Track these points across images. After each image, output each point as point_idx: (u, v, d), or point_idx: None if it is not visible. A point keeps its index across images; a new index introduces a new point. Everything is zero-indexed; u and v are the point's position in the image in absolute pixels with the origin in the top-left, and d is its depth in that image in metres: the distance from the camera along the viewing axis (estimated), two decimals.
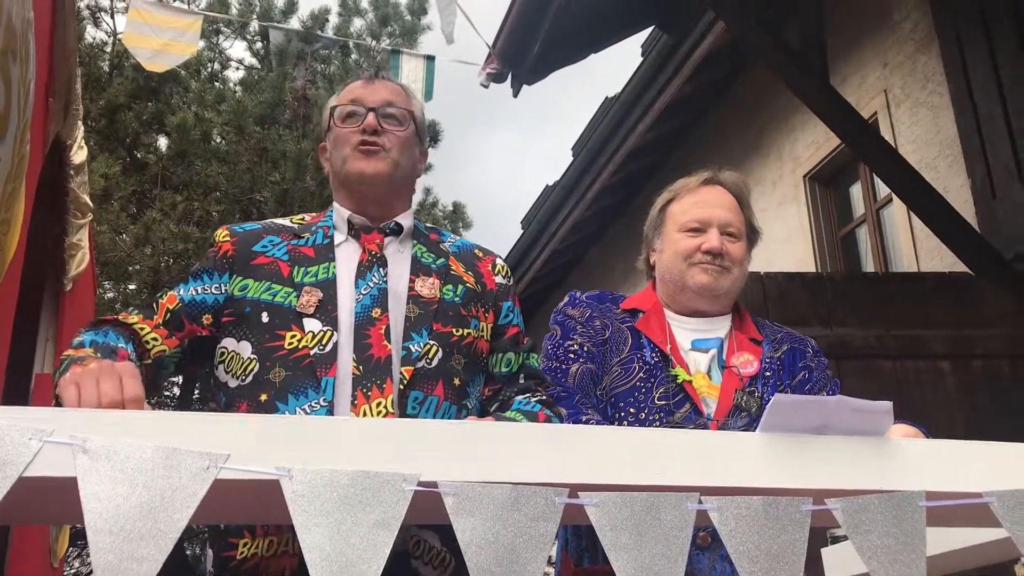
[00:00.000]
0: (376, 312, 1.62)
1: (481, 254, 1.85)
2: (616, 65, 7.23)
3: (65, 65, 1.88)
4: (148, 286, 4.48)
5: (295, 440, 0.99)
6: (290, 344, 1.57)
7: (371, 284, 1.65)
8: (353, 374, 1.55)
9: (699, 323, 1.97)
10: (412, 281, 1.70)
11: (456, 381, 1.64)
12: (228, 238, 1.72)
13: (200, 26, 4.83)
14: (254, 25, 5.87)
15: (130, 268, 4.57)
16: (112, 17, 5.99)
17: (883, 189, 5.84)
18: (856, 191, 6.45)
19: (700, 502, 1.05)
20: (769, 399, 1.85)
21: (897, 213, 5.77)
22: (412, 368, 1.59)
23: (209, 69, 5.78)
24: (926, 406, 4.29)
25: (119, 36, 5.39)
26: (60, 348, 2.38)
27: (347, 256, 1.71)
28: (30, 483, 0.89)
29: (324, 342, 1.57)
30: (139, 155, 5.22)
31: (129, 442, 0.91)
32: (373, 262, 1.69)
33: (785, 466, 1.14)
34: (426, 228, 1.83)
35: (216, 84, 5.60)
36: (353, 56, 5.89)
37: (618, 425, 1.82)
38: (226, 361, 1.62)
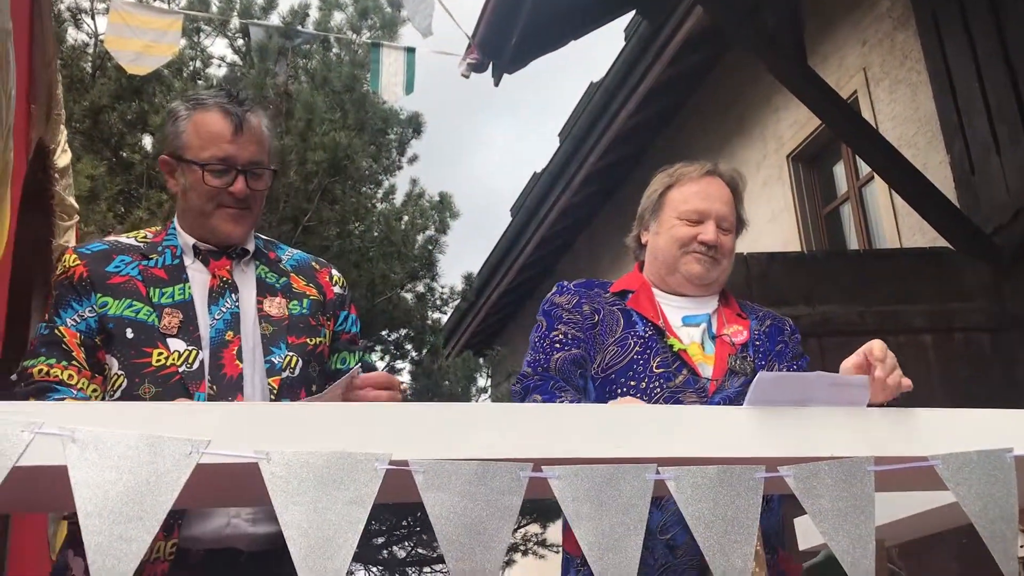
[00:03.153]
0: (229, 335, 1.69)
1: (318, 266, 1.93)
2: (605, 49, 7.27)
3: (45, 71, 1.93)
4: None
5: (272, 425, 1.05)
6: (157, 361, 1.62)
7: (224, 309, 1.72)
8: (208, 394, 1.62)
9: (687, 302, 2.06)
10: (260, 302, 1.77)
11: (314, 388, 1.74)
12: (78, 261, 1.71)
13: (181, 25, 4.85)
14: (235, 22, 5.89)
15: None
16: (93, 18, 6.00)
17: (865, 167, 5.90)
18: (839, 170, 6.52)
19: (658, 472, 1.12)
20: (762, 364, 1.94)
21: (879, 190, 5.84)
22: (279, 378, 1.68)
23: (191, 67, 5.81)
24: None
25: (100, 38, 5.43)
26: None
27: (197, 278, 1.75)
28: (23, 472, 0.95)
29: (191, 360, 1.64)
30: (124, 155, 5.26)
31: (115, 431, 0.97)
32: (225, 288, 1.75)
33: (739, 436, 1.21)
34: (264, 245, 1.89)
35: (199, 82, 5.64)
36: (334, 50, 5.93)
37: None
38: (105, 375, 1.65)
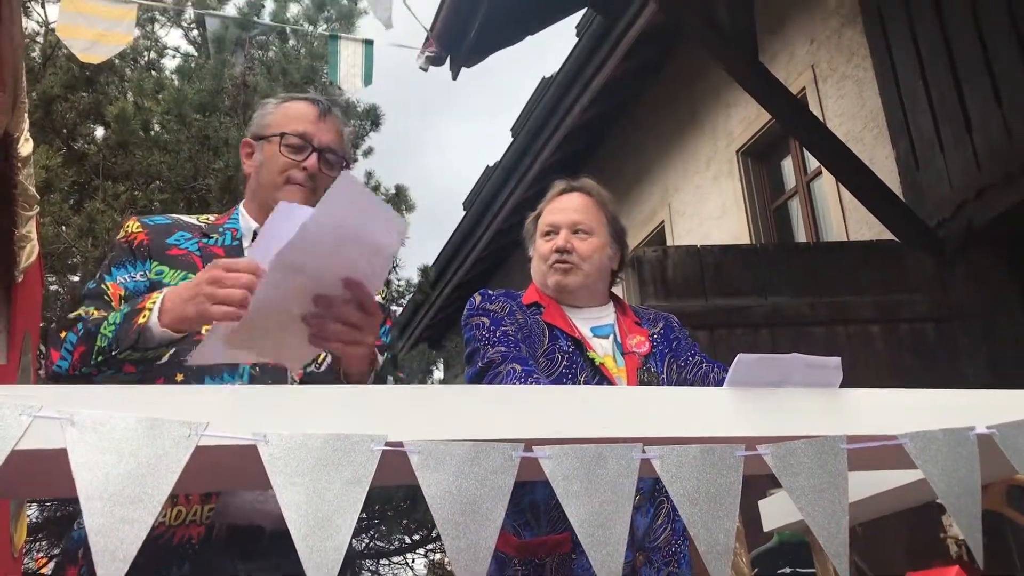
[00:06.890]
0: None
1: None
2: (554, 45, 7.33)
3: (13, 58, 1.91)
4: (93, 278, 4.45)
5: (269, 407, 1.06)
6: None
7: None
8: (251, 374, 1.66)
9: (589, 312, 2.17)
10: None
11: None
12: (141, 229, 1.75)
13: (135, 15, 4.76)
14: (189, 12, 5.82)
15: (73, 260, 4.54)
16: (43, 6, 5.88)
17: (813, 162, 6.03)
18: (787, 164, 6.65)
19: (643, 452, 1.15)
20: (662, 368, 2.07)
21: (827, 185, 5.97)
22: (302, 372, 1.68)
23: (146, 57, 5.72)
24: (856, 369, 4.47)
25: (51, 26, 5.31)
26: (13, 340, 2.39)
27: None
28: (22, 456, 0.95)
29: None
30: (76, 146, 5.16)
31: (114, 414, 0.98)
32: None
33: (719, 417, 1.25)
34: None
35: (153, 73, 5.55)
36: (291, 42, 5.88)
37: None
38: None
